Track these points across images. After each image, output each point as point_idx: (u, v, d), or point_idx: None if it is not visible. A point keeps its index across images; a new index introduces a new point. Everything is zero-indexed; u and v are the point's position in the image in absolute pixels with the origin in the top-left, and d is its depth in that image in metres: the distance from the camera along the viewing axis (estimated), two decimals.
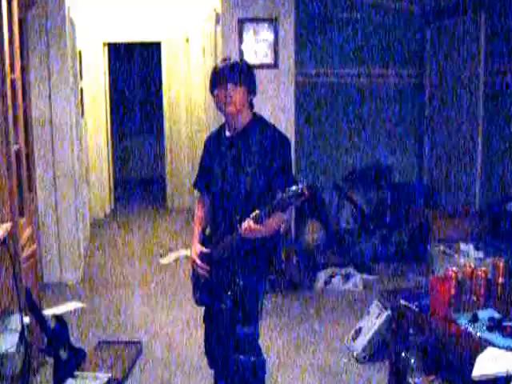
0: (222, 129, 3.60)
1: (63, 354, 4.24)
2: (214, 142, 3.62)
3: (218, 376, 3.74)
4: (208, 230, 3.68)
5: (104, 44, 9.55)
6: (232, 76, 3.36)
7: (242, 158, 3.39)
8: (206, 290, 3.61)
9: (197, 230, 3.69)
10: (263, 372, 3.62)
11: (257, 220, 3.14)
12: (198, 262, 3.51)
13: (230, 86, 3.34)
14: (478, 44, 6.80)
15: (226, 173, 3.45)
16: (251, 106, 3.48)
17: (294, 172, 3.50)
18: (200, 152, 3.74)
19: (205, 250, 3.51)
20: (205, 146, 3.71)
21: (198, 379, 4.41)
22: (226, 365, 3.57)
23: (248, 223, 3.16)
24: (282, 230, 3.73)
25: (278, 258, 5.89)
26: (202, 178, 3.68)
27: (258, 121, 3.49)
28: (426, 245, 6.65)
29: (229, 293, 3.44)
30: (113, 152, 10.26)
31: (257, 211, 3.13)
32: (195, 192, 3.91)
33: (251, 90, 3.44)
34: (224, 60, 3.53)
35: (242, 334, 3.47)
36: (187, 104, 9.58)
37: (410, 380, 3.85)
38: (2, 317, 3.54)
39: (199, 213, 3.73)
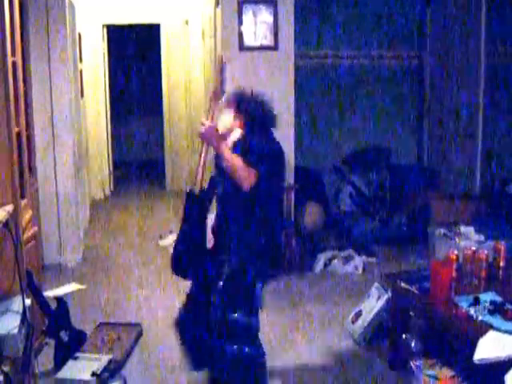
0: None
1: (64, 336, 4.27)
2: None
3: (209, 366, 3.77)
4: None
5: (103, 26, 9.52)
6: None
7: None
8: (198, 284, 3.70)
9: None
10: (259, 364, 3.63)
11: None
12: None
13: None
14: (478, 23, 6.77)
15: (219, 180, 3.55)
16: None
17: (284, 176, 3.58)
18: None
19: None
20: None
21: None
22: (217, 354, 3.59)
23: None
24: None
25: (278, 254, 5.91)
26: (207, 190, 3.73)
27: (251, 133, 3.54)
28: (426, 227, 6.66)
29: (220, 283, 3.48)
30: (112, 134, 10.24)
31: None
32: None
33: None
34: None
35: (231, 322, 3.49)
36: (186, 86, 9.55)
37: (411, 363, 3.87)
38: (4, 299, 3.55)
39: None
